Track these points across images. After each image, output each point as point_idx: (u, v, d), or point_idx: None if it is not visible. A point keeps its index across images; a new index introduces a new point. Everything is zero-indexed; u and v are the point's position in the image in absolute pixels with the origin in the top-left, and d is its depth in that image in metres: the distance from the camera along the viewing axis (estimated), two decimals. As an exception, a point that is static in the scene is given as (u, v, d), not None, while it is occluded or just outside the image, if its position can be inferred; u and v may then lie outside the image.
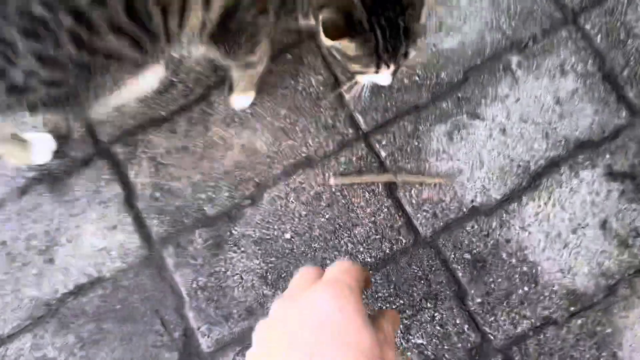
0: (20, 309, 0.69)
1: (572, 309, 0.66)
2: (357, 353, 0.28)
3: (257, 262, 0.69)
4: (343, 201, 0.70)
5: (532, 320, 0.66)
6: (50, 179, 0.72)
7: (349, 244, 0.69)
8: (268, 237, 0.70)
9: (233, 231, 0.70)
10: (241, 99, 0.71)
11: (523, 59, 0.71)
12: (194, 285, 0.69)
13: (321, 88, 0.73)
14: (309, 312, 0.30)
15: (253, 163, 0.72)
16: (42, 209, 0.72)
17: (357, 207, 0.70)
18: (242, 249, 0.70)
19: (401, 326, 0.66)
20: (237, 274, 0.70)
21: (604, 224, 0.67)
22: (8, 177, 0.72)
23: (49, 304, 0.70)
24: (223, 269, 0.70)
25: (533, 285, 0.67)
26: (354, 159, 0.71)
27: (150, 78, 0.57)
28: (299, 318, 0.30)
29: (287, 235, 0.70)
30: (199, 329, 0.68)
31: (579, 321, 0.65)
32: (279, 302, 0.32)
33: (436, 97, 0.72)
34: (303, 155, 0.71)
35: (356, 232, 0.69)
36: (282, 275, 0.69)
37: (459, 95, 0.71)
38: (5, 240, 0.71)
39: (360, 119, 0.72)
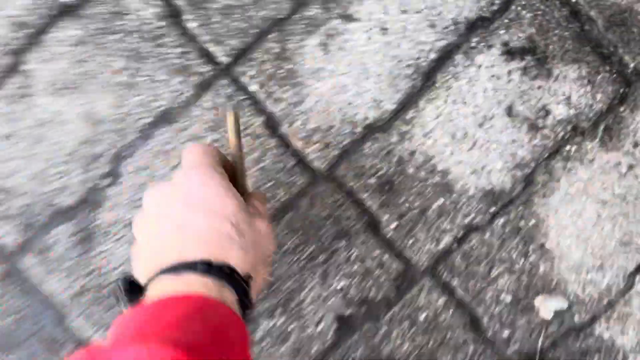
0: None
1: (492, 209, 0.60)
2: (222, 218, 0.31)
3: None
4: (220, 153, 0.59)
5: (454, 232, 0.60)
6: None
7: (239, 200, 0.59)
8: (143, 215, 0.59)
9: (99, 218, 0.59)
10: None
11: (390, -64, 0.59)
12: (71, 292, 0.58)
13: (158, 22, 0.59)
14: (177, 191, 0.32)
15: (100, 134, 0.58)
16: None
17: (239, 155, 0.59)
18: (117, 235, 0.59)
19: (319, 272, 0.59)
20: (120, 264, 0.59)
21: (510, 110, 0.60)
22: None
23: None
24: (101, 264, 0.59)
25: (448, 195, 0.60)
26: (222, 100, 0.59)
27: None
28: (168, 198, 0.33)
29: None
30: (90, 338, 0.59)
31: (501, 220, 0.60)
32: (148, 192, 0.34)
33: (299, 4, 0.59)
34: (159, 109, 0.59)
35: (245, 184, 0.59)
36: (172, 254, 0.59)
37: (326, -5, 0.59)
38: None
39: (215, 50, 0.59)
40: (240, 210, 0.31)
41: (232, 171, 0.35)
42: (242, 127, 0.54)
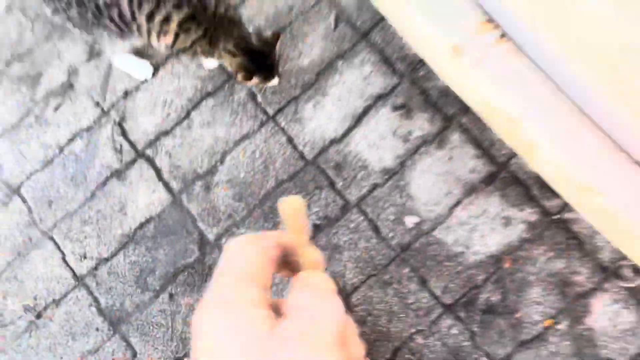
0: (114, 239, 1.36)
1: (385, 178, 1.30)
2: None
3: (229, 195, 1.35)
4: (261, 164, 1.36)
5: (370, 184, 1.31)
6: (117, 174, 1.39)
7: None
8: (243, 181, 1.36)
9: (215, 178, 1.36)
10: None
11: (347, 63, 1.38)
12: (199, 211, 1.35)
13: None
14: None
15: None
16: (113, 192, 1.39)
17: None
18: (227, 185, 1.36)
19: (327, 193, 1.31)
20: (227, 204, 1.35)
21: (395, 133, 1.33)
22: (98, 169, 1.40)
23: (129, 235, 1.36)
24: (214, 198, 1.35)
25: (365, 170, 1.32)
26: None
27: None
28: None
29: (272, 183, 1.36)
30: (205, 230, 1.34)
31: (390, 182, 1.30)
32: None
33: (304, 90, 1.39)
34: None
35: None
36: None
37: (317, 86, 1.38)
38: (100, 209, 1.38)
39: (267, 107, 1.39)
40: (251, 332, 0.26)
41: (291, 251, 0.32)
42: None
